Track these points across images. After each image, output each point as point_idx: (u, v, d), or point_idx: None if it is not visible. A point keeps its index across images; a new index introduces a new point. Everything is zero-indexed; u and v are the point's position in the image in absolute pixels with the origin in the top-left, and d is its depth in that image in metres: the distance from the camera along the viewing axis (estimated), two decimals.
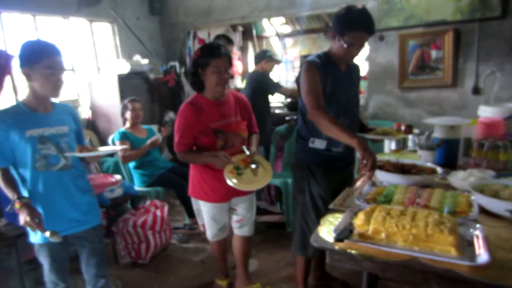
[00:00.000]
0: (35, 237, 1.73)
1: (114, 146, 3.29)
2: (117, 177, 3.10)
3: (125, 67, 4.34)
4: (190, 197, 2.36)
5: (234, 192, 2.16)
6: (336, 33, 1.85)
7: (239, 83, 6.02)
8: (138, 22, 5.05)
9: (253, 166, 2.07)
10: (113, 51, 4.89)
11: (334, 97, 1.92)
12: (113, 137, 3.46)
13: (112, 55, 4.86)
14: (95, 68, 4.70)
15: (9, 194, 1.60)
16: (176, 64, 4.93)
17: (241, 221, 2.33)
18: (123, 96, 4.08)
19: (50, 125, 1.72)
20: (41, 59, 1.62)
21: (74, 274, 2.80)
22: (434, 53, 3.67)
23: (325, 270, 2.46)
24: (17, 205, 1.54)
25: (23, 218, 1.53)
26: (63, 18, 4.30)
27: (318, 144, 1.98)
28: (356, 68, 2.13)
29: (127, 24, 4.81)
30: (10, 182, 1.64)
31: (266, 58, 3.62)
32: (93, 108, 4.53)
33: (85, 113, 4.58)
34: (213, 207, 2.24)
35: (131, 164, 3.44)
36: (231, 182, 1.98)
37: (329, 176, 2.01)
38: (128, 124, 3.48)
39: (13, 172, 1.69)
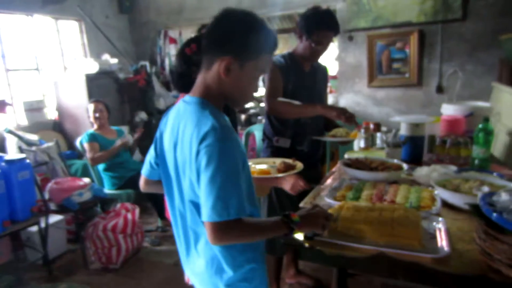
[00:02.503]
0: None
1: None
2: (86, 180, 3.01)
3: (93, 67, 4.22)
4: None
5: None
6: (303, 33, 1.89)
7: None
8: (107, 21, 4.92)
9: None
10: (81, 50, 4.74)
11: (295, 96, 1.96)
12: (81, 139, 3.36)
13: (80, 54, 4.71)
14: (62, 68, 4.54)
15: None
16: (147, 63, 4.84)
17: None
18: (91, 96, 3.96)
19: None
20: None
21: (41, 282, 2.71)
22: (398, 54, 3.79)
23: (298, 267, 2.50)
24: None
25: None
26: (26, 15, 4.12)
27: (282, 143, 2.02)
28: (322, 69, 2.18)
29: (95, 22, 4.68)
30: None
31: None
32: (60, 109, 4.37)
33: (51, 114, 4.42)
34: None
35: (101, 167, 3.35)
36: None
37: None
38: (96, 126, 3.39)
39: None
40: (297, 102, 1.88)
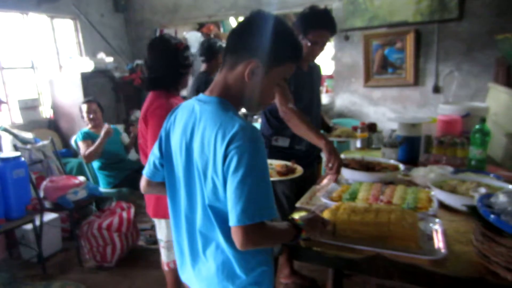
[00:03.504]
0: None
1: None
2: (81, 178, 2.99)
3: (88, 65, 4.19)
4: (153, 218, 1.97)
5: None
6: (300, 32, 1.88)
7: None
8: (102, 19, 4.89)
9: None
10: (76, 48, 4.70)
11: (297, 96, 1.95)
12: (76, 137, 3.33)
13: (75, 52, 4.68)
14: (57, 66, 4.51)
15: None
16: (142, 62, 4.82)
17: None
18: (86, 95, 3.94)
19: None
20: None
21: (35, 280, 2.69)
22: (395, 53, 3.80)
23: (293, 268, 2.49)
24: None
25: None
26: (21, 13, 4.08)
27: (281, 142, 2.01)
28: (317, 68, 2.18)
29: (90, 21, 4.64)
30: None
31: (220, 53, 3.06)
32: (55, 108, 4.34)
33: (46, 112, 4.38)
34: None
35: (96, 165, 3.32)
36: None
37: None
38: (90, 124, 3.36)
39: None
40: (310, 123, 1.78)
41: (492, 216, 0.93)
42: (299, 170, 1.75)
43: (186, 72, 1.91)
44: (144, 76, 1.96)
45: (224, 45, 2.82)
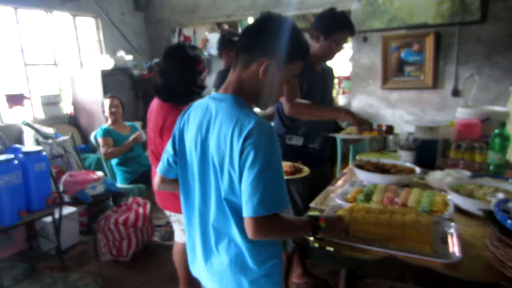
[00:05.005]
0: None
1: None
2: (99, 173, 3.06)
3: (108, 63, 4.28)
4: (166, 210, 2.00)
5: None
6: (321, 33, 1.90)
7: None
8: (123, 18, 4.99)
9: None
10: (97, 46, 4.81)
11: (310, 96, 1.97)
12: (95, 133, 3.41)
13: (96, 50, 4.79)
14: (78, 63, 4.62)
15: None
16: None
17: None
18: (106, 92, 4.02)
19: None
20: None
21: (53, 271, 2.77)
22: (414, 56, 3.75)
23: (306, 268, 2.49)
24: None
25: None
26: (45, 11, 4.21)
27: (295, 140, 2.03)
28: (330, 70, 2.21)
29: (111, 19, 4.74)
30: None
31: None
32: (75, 104, 4.45)
33: (67, 108, 4.50)
34: None
35: (114, 161, 3.40)
36: None
37: None
38: (110, 121, 3.44)
39: None
40: (321, 105, 1.89)
41: (509, 221, 0.92)
42: (306, 170, 1.80)
43: (200, 92, 1.91)
44: (156, 82, 1.91)
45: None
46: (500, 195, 1.16)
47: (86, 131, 4.27)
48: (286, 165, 1.81)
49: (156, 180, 1.31)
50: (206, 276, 1.19)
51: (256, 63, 1.06)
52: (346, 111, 1.88)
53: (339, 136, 2.13)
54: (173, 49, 1.90)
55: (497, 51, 3.40)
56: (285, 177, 1.69)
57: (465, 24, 3.47)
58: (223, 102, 1.08)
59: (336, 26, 1.91)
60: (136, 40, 5.12)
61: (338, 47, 1.96)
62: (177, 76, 1.84)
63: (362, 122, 1.84)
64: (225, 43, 2.76)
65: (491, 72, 3.46)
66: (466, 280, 0.99)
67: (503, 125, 1.79)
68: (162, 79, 1.88)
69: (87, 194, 2.87)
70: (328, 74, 2.18)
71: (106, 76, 4.20)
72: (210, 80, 2.89)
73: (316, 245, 1.19)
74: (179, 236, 2.08)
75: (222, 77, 2.70)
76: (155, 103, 1.96)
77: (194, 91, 1.88)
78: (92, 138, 3.48)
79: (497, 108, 2.40)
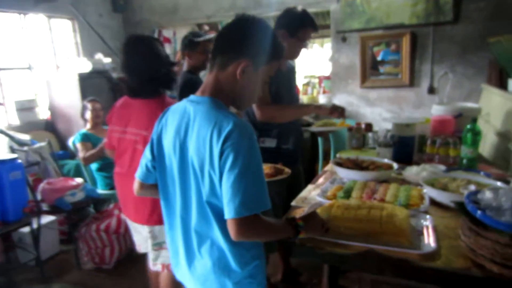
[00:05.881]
0: None
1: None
2: (79, 180, 3.00)
3: (86, 66, 4.20)
4: (151, 226, 1.83)
5: None
6: (286, 32, 1.93)
7: None
8: (100, 19, 4.91)
9: None
10: (74, 49, 4.72)
11: (278, 97, 1.99)
12: (73, 139, 3.35)
13: (73, 53, 4.69)
14: (54, 67, 4.52)
15: None
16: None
17: None
18: (84, 96, 3.95)
19: None
20: None
21: (33, 283, 2.70)
22: (391, 55, 3.84)
23: (291, 265, 2.52)
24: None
25: None
26: (19, 14, 4.10)
27: (269, 143, 2.05)
28: (293, 68, 2.25)
29: (88, 21, 4.66)
30: None
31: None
32: (52, 109, 4.35)
33: (43, 114, 4.39)
34: None
35: (94, 167, 3.34)
36: None
37: None
38: (89, 125, 3.38)
39: None
40: (290, 105, 1.93)
41: (479, 212, 0.96)
42: (287, 171, 1.82)
43: (173, 69, 1.83)
44: (130, 82, 1.79)
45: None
46: (472, 187, 1.20)
47: (64, 137, 4.17)
48: (267, 167, 1.81)
49: (135, 185, 1.29)
50: (190, 280, 1.19)
51: (233, 64, 1.07)
52: (315, 106, 2.01)
53: (313, 129, 2.21)
54: (129, 39, 1.81)
55: (469, 50, 3.52)
56: (267, 179, 1.71)
57: (439, 25, 3.58)
58: (201, 104, 1.08)
59: (300, 24, 1.95)
60: (115, 42, 5.04)
61: (303, 45, 2.00)
62: (147, 61, 1.74)
63: (334, 109, 1.97)
64: (186, 45, 2.67)
65: (464, 70, 3.58)
66: (441, 269, 1.02)
67: (474, 121, 1.86)
68: (131, 76, 1.78)
69: (66, 202, 2.81)
70: (292, 72, 2.21)
71: (84, 79, 4.12)
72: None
73: (297, 242, 1.20)
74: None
75: (185, 79, 2.62)
76: (127, 104, 1.85)
77: (169, 70, 1.80)
78: (70, 143, 3.41)
79: (470, 104, 2.49)
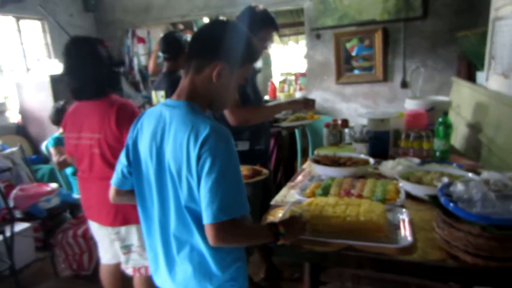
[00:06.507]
0: None
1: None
2: (53, 185, 2.92)
3: (58, 67, 4.07)
4: (118, 227, 1.82)
5: None
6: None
7: None
8: (71, 20, 4.76)
9: None
10: (44, 50, 4.56)
11: (246, 98, 1.98)
12: (46, 143, 3.24)
13: (43, 54, 4.54)
14: (24, 69, 4.36)
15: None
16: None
17: None
18: (56, 98, 3.83)
19: None
20: None
21: None
22: (365, 50, 3.91)
23: (273, 263, 2.53)
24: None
25: None
26: None
27: (241, 146, 2.05)
28: (254, 68, 2.25)
29: (58, 21, 4.51)
30: None
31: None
32: (23, 112, 4.20)
33: (14, 117, 4.23)
34: None
35: (69, 171, 3.24)
36: None
37: None
38: (61, 129, 3.28)
39: None
40: (263, 105, 1.94)
41: (451, 204, 1.00)
42: (265, 172, 1.83)
43: (119, 70, 1.87)
44: (71, 83, 1.80)
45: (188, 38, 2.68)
46: (445, 179, 1.24)
47: (37, 141, 4.04)
48: (244, 168, 1.81)
49: (110, 192, 1.26)
50: (171, 285, 1.18)
51: (209, 67, 1.06)
52: (287, 102, 2.06)
53: (284, 125, 2.24)
54: (70, 42, 1.81)
55: (439, 44, 3.63)
56: (245, 181, 1.71)
57: (409, 20, 3.67)
58: (177, 108, 1.07)
59: (261, 25, 1.94)
60: None
61: (265, 45, 1.99)
62: (92, 63, 1.75)
63: (306, 102, 2.03)
64: (179, 50, 2.67)
65: (435, 64, 3.69)
66: (417, 262, 1.05)
67: (445, 114, 1.92)
68: (75, 80, 1.79)
69: (41, 208, 2.73)
70: (253, 72, 2.22)
71: (56, 81, 3.98)
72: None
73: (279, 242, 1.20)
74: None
75: (173, 79, 2.59)
76: (78, 109, 1.85)
77: (114, 71, 1.83)
78: (43, 148, 3.30)
79: (441, 98, 2.56)
